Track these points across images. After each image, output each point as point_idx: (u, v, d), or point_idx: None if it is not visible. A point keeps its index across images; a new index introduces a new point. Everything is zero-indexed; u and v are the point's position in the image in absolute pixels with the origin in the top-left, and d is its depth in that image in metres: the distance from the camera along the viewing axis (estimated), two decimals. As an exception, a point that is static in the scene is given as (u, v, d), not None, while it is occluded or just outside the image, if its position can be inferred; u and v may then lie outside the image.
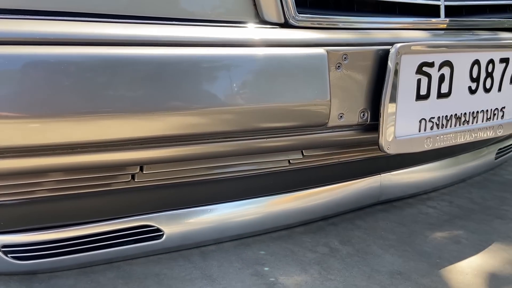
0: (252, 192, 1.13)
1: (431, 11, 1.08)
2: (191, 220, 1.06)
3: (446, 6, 1.09)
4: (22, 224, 0.92)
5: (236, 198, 1.11)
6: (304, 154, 1.03)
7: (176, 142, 0.80)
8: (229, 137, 0.85)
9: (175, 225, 1.04)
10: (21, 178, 0.80)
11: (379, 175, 1.31)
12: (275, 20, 0.89)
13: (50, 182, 0.84)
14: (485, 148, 1.61)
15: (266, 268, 1.01)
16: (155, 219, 1.02)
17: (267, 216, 1.16)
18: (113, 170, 0.85)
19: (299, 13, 0.89)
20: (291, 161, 1.05)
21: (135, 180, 0.91)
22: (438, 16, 1.08)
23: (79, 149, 0.74)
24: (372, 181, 1.29)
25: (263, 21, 0.89)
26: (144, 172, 0.88)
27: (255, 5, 0.89)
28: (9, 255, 0.91)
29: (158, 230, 1.02)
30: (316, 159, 1.07)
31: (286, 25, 0.89)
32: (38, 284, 0.92)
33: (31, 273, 0.95)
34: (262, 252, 1.08)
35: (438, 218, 1.30)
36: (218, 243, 1.11)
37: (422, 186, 1.44)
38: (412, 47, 0.92)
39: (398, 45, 0.90)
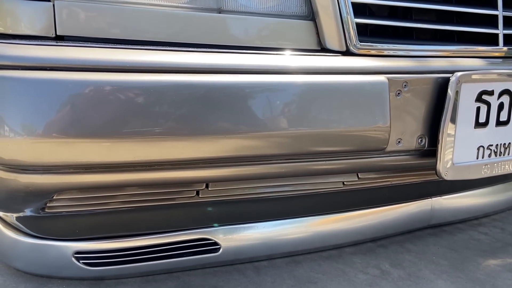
0: (304, 211, 1.16)
1: (489, 39, 1.09)
2: (246, 236, 1.11)
3: (504, 35, 1.09)
4: (93, 232, 0.99)
5: (289, 216, 1.14)
6: (360, 176, 1.06)
7: (247, 162, 0.85)
8: (291, 159, 0.89)
9: (231, 239, 1.09)
10: (100, 191, 0.87)
11: (430, 199, 1.31)
12: (337, 48, 0.93)
13: (124, 195, 0.90)
14: (539, 175, 1.57)
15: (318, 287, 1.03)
16: (213, 233, 1.07)
17: (317, 235, 1.19)
18: (181, 186, 0.91)
19: (360, 41, 0.93)
20: (345, 183, 1.08)
21: (199, 196, 0.96)
22: (497, 44, 1.09)
23: (156, 167, 0.80)
24: (423, 205, 1.29)
25: (325, 49, 0.93)
26: (209, 189, 0.94)
27: (317, 33, 0.93)
28: (80, 261, 0.98)
29: (216, 243, 1.07)
30: (370, 181, 1.09)
31: (347, 53, 0.93)
32: (106, 290, 0.98)
33: (99, 279, 1.01)
34: (314, 271, 1.10)
35: (490, 245, 1.28)
36: (270, 259, 1.15)
37: (473, 211, 1.43)
38: (473, 76, 0.93)
39: (459, 73, 0.92)
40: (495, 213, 1.50)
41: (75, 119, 0.72)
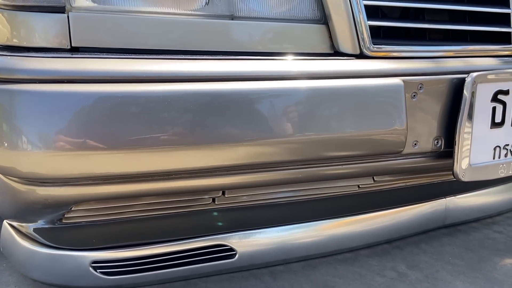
0: (319, 215, 1.15)
1: (502, 38, 1.08)
2: (261, 241, 1.10)
3: (517, 32, 1.08)
4: (110, 241, 0.99)
5: (303, 220, 1.14)
6: (375, 179, 1.05)
7: (265, 169, 0.84)
8: (308, 165, 0.88)
9: (247, 245, 1.08)
10: (117, 201, 0.86)
11: (444, 199, 1.30)
12: (350, 51, 0.92)
13: (141, 205, 0.90)
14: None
15: (336, 291, 1.03)
16: (229, 239, 1.06)
17: (331, 239, 1.18)
18: (198, 194, 0.91)
19: (373, 44, 0.93)
20: (360, 186, 1.07)
21: (215, 203, 0.96)
22: (509, 43, 1.08)
23: (173, 176, 0.80)
24: (437, 205, 1.29)
25: (339, 53, 0.93)
26: (226, 196, 0.93)
27: (330, 37, 0.93)
28: (98, 271, 0.98)
29: (231, 249, 1.06)
30: (385, 184, 1.09)
31: (361, 56, 0.92)
32: (124, 299, 0.98)
33: (116, 288, 1.02)
34: (330, 275, 1.10)
35: (505, 244, 1.27)
36: (286, 263, 1.14)
37: (487, 210, 1.42)
38: (488, 76, 0.93)
39: (474, 74, 0.91)
40: (509, 211, 1.49)
41: (94, 131, 0.72)
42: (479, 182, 1.35)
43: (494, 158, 0.99)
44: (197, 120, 0.76)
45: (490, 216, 1.45)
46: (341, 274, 1.10)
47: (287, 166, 0.88)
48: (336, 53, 0.93)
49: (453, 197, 1.32)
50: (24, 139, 0.72)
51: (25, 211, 0.84)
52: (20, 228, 1.04)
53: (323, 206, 1.13)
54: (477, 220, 1.42)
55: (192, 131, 0.76)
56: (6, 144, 0.72)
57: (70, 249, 0.98)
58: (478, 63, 1.01)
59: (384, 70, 0.90)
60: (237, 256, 1.07)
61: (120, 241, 0.99)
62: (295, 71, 0.85)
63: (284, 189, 1.01)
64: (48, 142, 0.72)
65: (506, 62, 1.06)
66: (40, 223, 0.91)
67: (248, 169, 0.85)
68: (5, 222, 1.10)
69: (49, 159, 0.72)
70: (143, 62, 0.78)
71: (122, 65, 0.76)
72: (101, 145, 0.73)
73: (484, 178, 0.98)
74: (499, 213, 1.47)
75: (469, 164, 0.95)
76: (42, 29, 0.77)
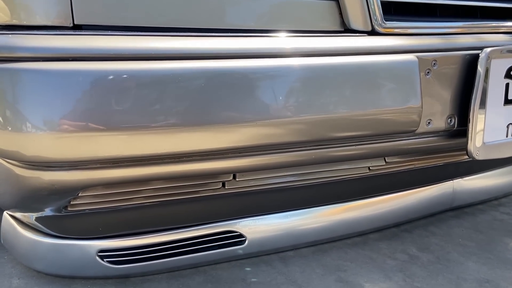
0: (328, 199, 1.13)
1: (510, 14, 1.07)
2: (271, 226, 1.08)
3: (527, 9, 1.07)
4: (117, 230, 0.96)
5: (313, 205, 1.12)
6: (387, 160, 1.03)
7: (278, 150, 0.82)
8: (321, 145, 0.86)
9: (256, 230, 1.06)
10: (125, 186, 0.83)
11: (451, 181, 1.29)
12: (361, 28, 0.90)
13: (149, 190, 0.87)
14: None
15: (349, 275, 1.01)
16: (238, 225, 1.04)
17: (340, 223, 1.16)
18: (208, 177, 0.88)
19: (385, 20, 0.90)
20: (371, 168, 1.05)
21: (225, 188, 0.93)
22: (520, 18, 1.06)
23: (184, 159, 0.77)
24: (445, 187, 1.27)
25: (349, 30, 0.90)
26: (237, 179, 0.91)
27: (340, 14, 0.90)
28: (105, 260, 0.95)
29: (241, 235, 1.04)
30: (396, 165, 1.07)
31: (372, 32, 0.90)
32: (133, 287, 0.95)
33: (124, 277, 0.99)
34: (342, 259, 1.08)
35: (514, 225, 1.27)
36: (296, 249, 1.12)
37: (493, 192, 1.41)
38: (502, 52, 0.91)
39: (488, 49, 0.89)
40: (514, 192, 1.49)
41: (101, 111, 0.69)
42: (485, 163, 1.35)
43: (507, 136, 0.97)
44: (207, 100, 0.73)
45: (496, 198, 1.44)
46: (352, 258, 1.08)
47: (300, 147, 0.86)
48: (347, 30, 0.91)
49: (460, 179, 1.31)
50: (28, 120, 0.68)
51: (30, 198, 0.81)
52: (21, 218, 1.00)
53: (333, 190, 1.11)
54: (483, 202, 1.41)
55: (202, 111, 0.73)
56: (9, 127, 0.69)
57: (75, 238, 0.94)
58: (489, 39, 0.99)
59: (398, 47, 0.87)
60: (246, 242, 1.05)
61: (128, 229, 0.96)
62: (306, 48, 0.82)
63: (295, 172, 0.99)
64: (53, 124, 0.68)
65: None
66: (44, 212, 0.88)
67: (260, 151, 0.83)
68: (5, 213, 1.06)
69: (55, 142, 0.69)
70: (148, 39, 0.74)
71: (127, 42, 0.73)
72: (109, 126, 0.69)
73: (498, 157, 0.97)
74: (505, 195, 1.46)
75: (483, 142, 0.94)
76: (44, 7, 0.73)
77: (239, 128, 0.76)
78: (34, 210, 0.89)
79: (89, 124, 0.69)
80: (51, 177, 0.74)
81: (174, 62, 0.72)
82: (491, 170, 1.39)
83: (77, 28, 0.74)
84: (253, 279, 0.99)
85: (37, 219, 0.94)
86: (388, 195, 1.20)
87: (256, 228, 1.06)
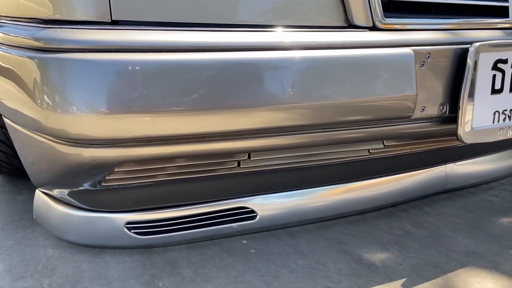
0: (331, 180, 1.24)
1: (501, 12, 1.17)
2: (279, 203, 1.19)
3: (515, 7, 1.17)
4: (143, 204, 1.07)
5: (318, 185, 1.23)
6: (385, 144, 1.14)
7: (288, 132, 0.92)
8: (327, 129, 0.97)
9: (266, 207, 1.17)
10: (154, 163, 0.94)
11: (444, 165, 1.40)
12: (364, 24, 1.00)
13: (172, 167, 0.98)
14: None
15: (350, 247, 1.12)
16: (250, 201, 1.15)
17: (342, 202, 1.27)
18: (226, 156, 0.99)
19: (385, 17, 1.00)
20: (371, 151, 1.16)
21: (240, 167, 1.04)
22: (507, 16, 1.16)
23: (207, 138, 0.88)
24: (438, 171, 1.38)
25: (353, 25, 1.00)
26: (251, 159, 1.01)
27: (345, 11, 1.00)
28: (132, 231, 1.06)
29: (252, 211, 1.15)
30: (394, 149, 1.18)
31: (373, 28, 1.00)
32: (157, 256, 1.06)
33: (148, 247, 1.10)
34: (343, 234, 1.19)
35: (502, 206, 1.38)
36: (301, 225, 1.23)
37: (484, 176, 1.52)
38: (489, 46, 1.01)
39: (477, 44, 0.99)
40: (503, 177, 1.60)
41: (136, 96, 0.79)
42: (477, 149, 1.46)
43: (493, 122, 1.08)
44: (228, 87, 0.84)
45: (486, 182, 1.55)
46: (353, 233, 1.19)
47: (308, 130, 0.96)
48: (350, 26, 1.01)
49: (453, 164, 1.42)
50: (73, 103, 0.79)
51: (71, 173, 0.91)
52: (54, 194, 1.11)
53: (336, 171, 1.22)
54: (474, 185, 1.52)
55: (223, 97, 0.84)
56: (57, 109, 0.79)
57: (105, 212, 1.05)
58: (479, 35, 1.09)
59: (396, 41, 0.98)
60: (257, 217, 1.16)
61: (152, 204, 1.07)
62: (314, 42, 0.93)
63: (303, 153, 1.09)
64: (94, 106, 0.79)
65: (505, 33, 1.15)
66: (80, 187, 0.98)
67: (273, 133, 0.93)
68: (37, 191, 1.17)
69: (96, 122, 0.80)
70: (176, 33, 0.85)
71: (158, 36, 0.83)
72: (142, 109, 0.80)
73: (485, 141, 1.07)
74: (494, 180, 1.57)
75: (472, 128, 1.04)
76: (85, 3, 0.84)
77: (255, 112, 0.87)
78: (71, 186, 0.99)
79: (126, 107, 0.79)
80: (92, 154, 0.85)
81: (200, 54, 0.82)
82: (481, 156, 1.50)
83: (115, 23, 0.84)
84: (263, 250, 1.10)
85: (70, 194, 1.05)
86: (386, 177, 1.31)
87: (266, 205, 1.17)
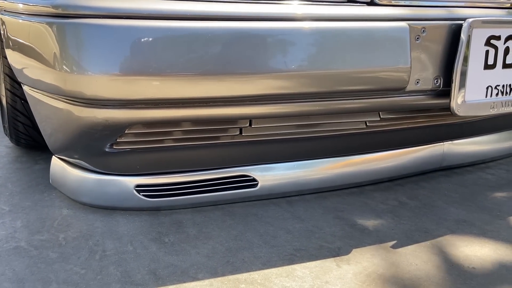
0: (330, 152, 1.30)
1: (498, -9, 1.21)
2: (279, 173, 1.25)
3: (512, -13, 1.21)
4: (151, 168, 1.14)
5: (317, 157, 1.29)
6: (381, 117, 1.19)
7: (287, 100, 0.98)
8: (325, 98, 1.02)
9: (267, 176, 1.23)
10: (161, 126, 1.01)
11: (442, 144, 1.45)
12: (362, -1, 1.05)
13: (178, 131, 1.05)
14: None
15: (345, 214, 1.18)
16: (252, 170, 1.21)
17: (340, 174, 1.33)
18: (228, 123, 1.05)
19: (383, -6, 1.05)
20: (368, 123, 1.22)
21: (242, 134, 1.10)
22: (504, -5, 1.20)
23: (211, 103, 0.94)
24: (436, 149, 1.43)
25: (352, 0, 1.06)
26: (252, 126, 1.08)
27: (344, -13, 1.06)
28: (141, 193, 1.14)
29: (254, 179, 1.22)
30: (390, 122, 1.23)
31: (371, 3, 1.06)
32: (164, 217, 1.14)
33: (156, 209, 1.17)
34: (340, 203, 1.25)
35: (496, 182, 1.42)
36: (300, 195, 1.30)
37: (481, 155, 1.56)
38: (482, 22, 1.06)
39: (471, 19, 1.04)
40: (501, 158, 1.64)
41: (146, 60, 0.86)
42: (475, 129, 1.51)
43: (486, 97, 1.12)
44: (233, 54, 0.90)
45: (483, 162, 1.60)
46: (349, 203, 1.25)
47: (306, 99, 1.03)
48: (350, 0, 1.06)
49: (450, 142, 1.46)
50: (88, 65, 0.86)
51: (86, 135, 0.99)
52: (70, 159, 1.19)
53: (334, 144, 1.28)
54: (471, 164, 1.57)
55: (227, 63, 0.90)
56: (74, 71, 0.86)
57: (117, 175, 1.13)
58: (475, 13, 1.14)
59: (392, 15, 1.03)
60: (258, 186, 1.22)
61: (160, 169, 1.14)
62: (316, 14, 0.99)
63: (302, 123, 1.15)
64: (108, 68, 0.86)
65: (499, 12, 1.19)
66: (92, 151, 1.06)
67: (273, 100, 1.00)
68: (54, 157, 1.25)
69: (109, 83, 0.87)
70: (183, 3, 0.91)
71: (164, 5, 0.90)
72: (152, 72, 0.87)
73: (477, 114, 1.12)
74: (492, 159, 1.62)
75: (464, 101, 1.09)
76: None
77: (256, 79, 0.93)
78: (85, 149, 1.07)
79: (137, 70, 0.86)
80: (105, 115, 0.92)
81: (206, 22, 0.89)
82: (479, 136, 1.54)
83: (127, -7, 0.91)
84: (263, 214, 1.16)
85: (84, 158, 1.12)
86: (384, 152, 1.37)
87: (267, 174, 1.23)
